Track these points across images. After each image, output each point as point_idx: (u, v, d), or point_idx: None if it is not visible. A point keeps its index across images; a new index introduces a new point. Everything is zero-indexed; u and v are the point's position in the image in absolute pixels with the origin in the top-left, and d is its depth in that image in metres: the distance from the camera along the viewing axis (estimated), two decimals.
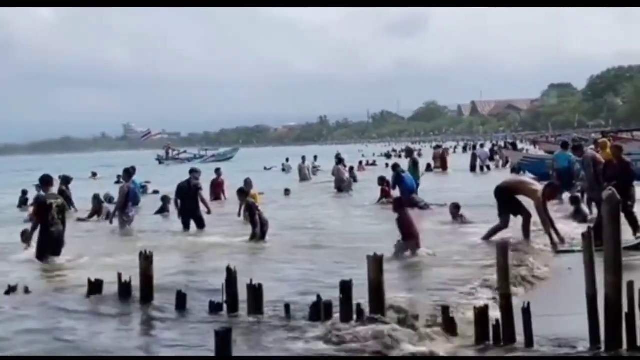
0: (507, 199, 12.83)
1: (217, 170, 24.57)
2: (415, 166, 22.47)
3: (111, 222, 16.77)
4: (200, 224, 16.03)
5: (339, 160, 28.59)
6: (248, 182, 17.96)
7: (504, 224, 12.66)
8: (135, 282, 8.67)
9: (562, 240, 12.10)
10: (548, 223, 12.22)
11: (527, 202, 12.77)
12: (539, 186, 12.93)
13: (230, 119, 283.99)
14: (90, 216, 19.60)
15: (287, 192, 25.14)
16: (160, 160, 76.28)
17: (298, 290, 9.02)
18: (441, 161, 38.41)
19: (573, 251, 11.10)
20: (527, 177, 19.63)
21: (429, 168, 36.80)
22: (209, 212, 16.46)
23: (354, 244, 12.78)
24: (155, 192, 27.92)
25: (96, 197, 20.41)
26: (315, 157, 40.46)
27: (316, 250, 12.77)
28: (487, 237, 12.59)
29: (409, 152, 28.81)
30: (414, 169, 22.17)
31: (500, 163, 37.98)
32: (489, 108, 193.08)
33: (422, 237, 11.68)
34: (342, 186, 25.93)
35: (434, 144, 64.88)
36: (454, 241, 12.99)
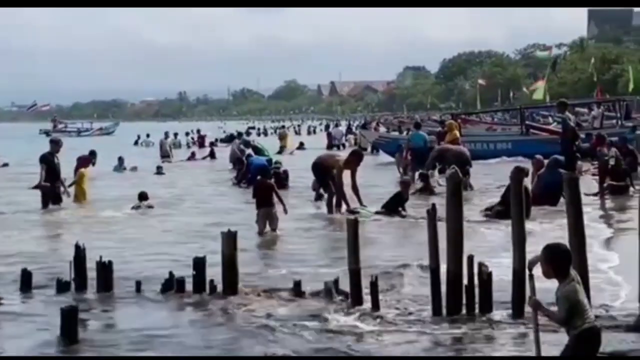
0: (322, 174, 13.71)
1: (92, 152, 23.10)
2: (257, 151, 23.24)
3: None
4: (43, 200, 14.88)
5: (239, 134, 29.46)
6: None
7: (329, 192, 13.50)
8: None
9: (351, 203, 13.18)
10: (341, 190, 13.23)
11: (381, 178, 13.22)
12: (342, 157, 14.14)
13: (84, 92, 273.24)
14: None
15: (159, 169, 24.64)
16: (47, 133, 72.63)
17: (152, 267, 8.88)
18: (328, 137, 40.20)
19: (363, 214, 12.22)
20: (337, 151, 20.34)
21: (301, 146, 37.45)
22: (36, 187, 15.14)
23: (220, 221, 12.68)
24: (5, 164, 26.74)
25: None
26: (176, 135, 40.01)
27: (183, 227, 12.51)
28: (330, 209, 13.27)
29: (246, 144, 29.29)
30: (257, 153, 22.99)
31: (353, 142, 39.06)
32: (347, 88, 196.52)
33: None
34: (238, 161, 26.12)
35: (282, 123, 66.27)
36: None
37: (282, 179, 18.19)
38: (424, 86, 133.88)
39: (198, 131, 45.13)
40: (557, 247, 5.25)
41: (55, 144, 15.52)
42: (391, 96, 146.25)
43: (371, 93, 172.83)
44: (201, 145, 39.09)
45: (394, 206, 12.91)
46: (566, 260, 5.17)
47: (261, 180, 12.15)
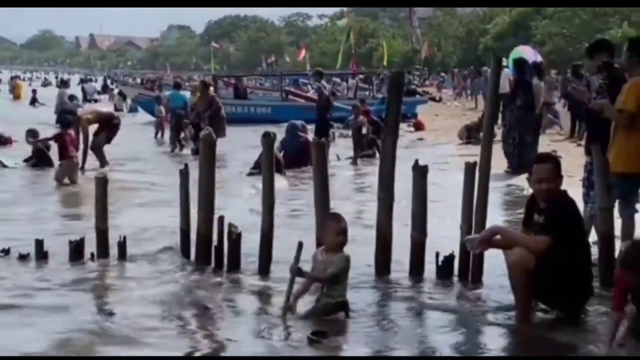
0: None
1: None
2: None
3: None
4: None
5: (63, 82, 27.50)
6: None
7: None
8: None
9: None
10: (86, 147, 13.41)
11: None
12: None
13: None
14: None
15: None
16: None
17: None
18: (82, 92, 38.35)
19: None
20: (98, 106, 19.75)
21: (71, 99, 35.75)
22: None
23: None
24: None
25: None
26: None
27: None
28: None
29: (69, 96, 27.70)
30: None
31: (115, 98, 37.92)
32: (108, 43, 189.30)
33: None
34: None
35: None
36: None
37: None
38: (189, 46, 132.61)
39: None
40: (341, 217, 5.44)
41: None
42: (154, 54, 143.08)
43: (133, 49, 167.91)
44: None
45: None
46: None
47: (62, 132, 12.23)
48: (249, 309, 5.52)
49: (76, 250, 6.67)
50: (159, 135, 20.68)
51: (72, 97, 25.36)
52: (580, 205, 6.18)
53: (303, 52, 63.79)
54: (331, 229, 5.34)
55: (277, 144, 13.93)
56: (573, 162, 9.49)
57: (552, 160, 5.32)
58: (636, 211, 6.53)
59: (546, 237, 5.05)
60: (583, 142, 9.98)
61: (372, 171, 13.28)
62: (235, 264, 6.48)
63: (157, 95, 24.94)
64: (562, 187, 5.23)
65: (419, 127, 22.49)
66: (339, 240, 5.28)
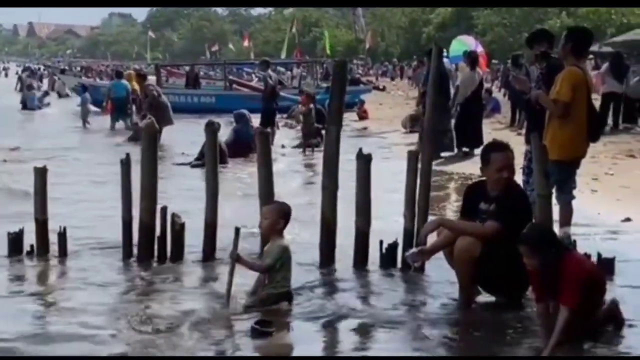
0: None
1: None
2: None
3: None
4: None
5: (25, 69, 27.02)
6: None
7: None
8: None
9: None
10: None
11: None
12: None
13: None
14: None
15: None
16: None
17: None
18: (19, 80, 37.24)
19: None
20: None
21: None
22: None
23: None
24: None
25: None
26: None
27: None
28: None
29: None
30: None
31: (57, 85, 37.18)
32: (47, 31, 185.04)
33: None
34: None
35: None
36: None
37: None
38: (131, 34, 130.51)
39: None
40: (288, 206, 5.42)
41: None
42: (95, 42, 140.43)
43: (73, 37, 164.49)
44: None
45: None
46: (289, 219, 5.35)
47: None
48: (192, 299, 5.46)
49: (15, 243, 6.52)
50: (87, 124, 20.52)
51: (30, 87, 24.97)
52: None
53: (246, 40, 63.45)
54: (263, 213, 5.36)
55: (230, 133, 13.91)
56: (514, 151, 9.63)
57: (509, 149, 5.35)
58: (573, 197, 6.68)
59: (495, 223, 5.06)
60: (523, 131, 10.15)
61: (318, 160, 13.32)
62: (178, 255, 6.43)
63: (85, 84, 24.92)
64: None
65: (363, 116, 22.56)
66: (265, 223, 5.27)
